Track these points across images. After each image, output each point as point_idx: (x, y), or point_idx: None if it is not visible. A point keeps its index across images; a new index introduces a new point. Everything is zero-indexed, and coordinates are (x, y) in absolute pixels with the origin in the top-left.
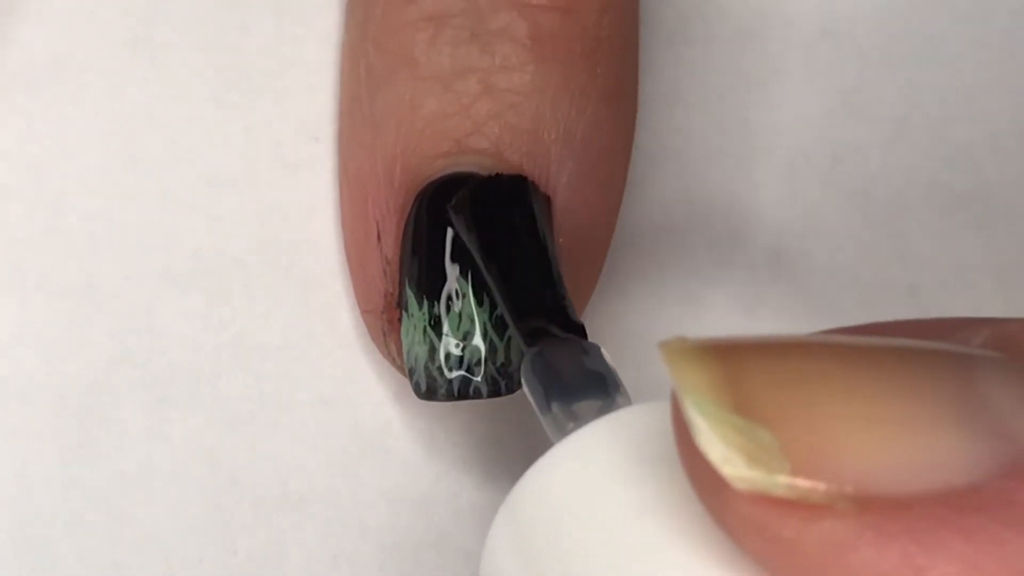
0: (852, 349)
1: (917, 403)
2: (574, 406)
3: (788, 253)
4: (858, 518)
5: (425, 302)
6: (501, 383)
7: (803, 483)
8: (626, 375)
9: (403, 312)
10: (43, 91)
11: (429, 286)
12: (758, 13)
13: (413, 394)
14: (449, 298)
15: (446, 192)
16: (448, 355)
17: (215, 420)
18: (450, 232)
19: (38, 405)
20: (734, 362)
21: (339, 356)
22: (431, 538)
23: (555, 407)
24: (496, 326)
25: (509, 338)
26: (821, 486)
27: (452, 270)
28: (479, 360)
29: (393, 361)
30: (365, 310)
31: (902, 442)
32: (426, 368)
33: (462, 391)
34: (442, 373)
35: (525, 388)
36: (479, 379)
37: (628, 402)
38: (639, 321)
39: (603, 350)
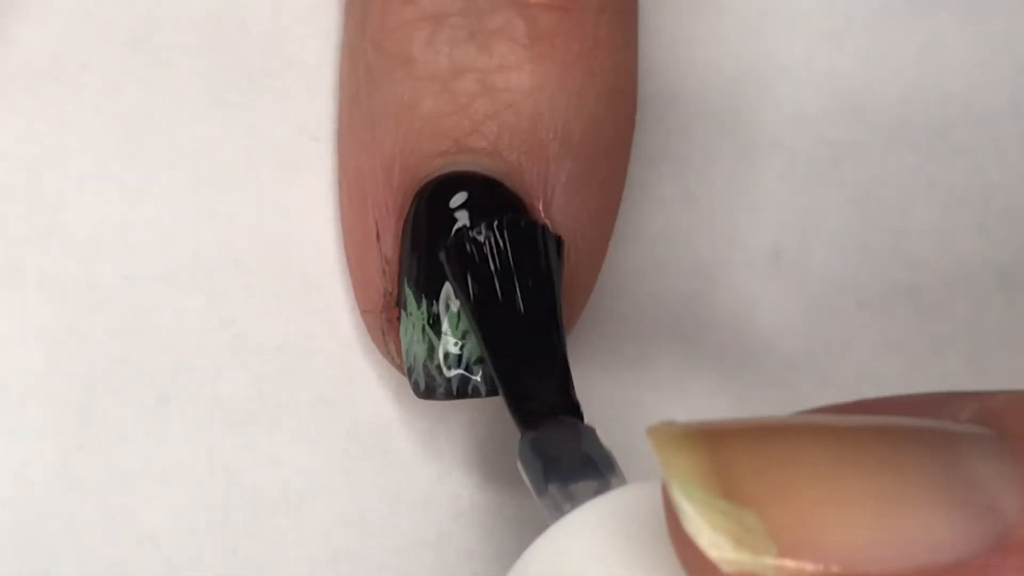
0: (837, 430)
1: (902, 482)
2: (571, 487)
3: (788, 253)
4: None
5: (424, 301)
6: None
7: (790, 564)
8: (626, 375)
9: (402, 311)
10: (43, 91)
11: (428, 285)
12: (758, 13)
13: (413, 394)
14: (448, 297)
15: (445, 191)
16: (447, 354)
17: (215, 420)
18: (450, 231)
19: (38, 405)
20: (720, 447)
21: (339, 356)
22: (431, 538)
23: (552, 488)
24: None
25: None
26: (808, 566)
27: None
28: (478, 359)
29: (392, 360)
30: (364, 309)
31: (887, 521)
32: (425, 367)
33: (461, 390)
34: (441, 372)
35: (521, 469)
36: (478, 378)
37: (623, 482)
38: (639, 321)
39: (597, 432)
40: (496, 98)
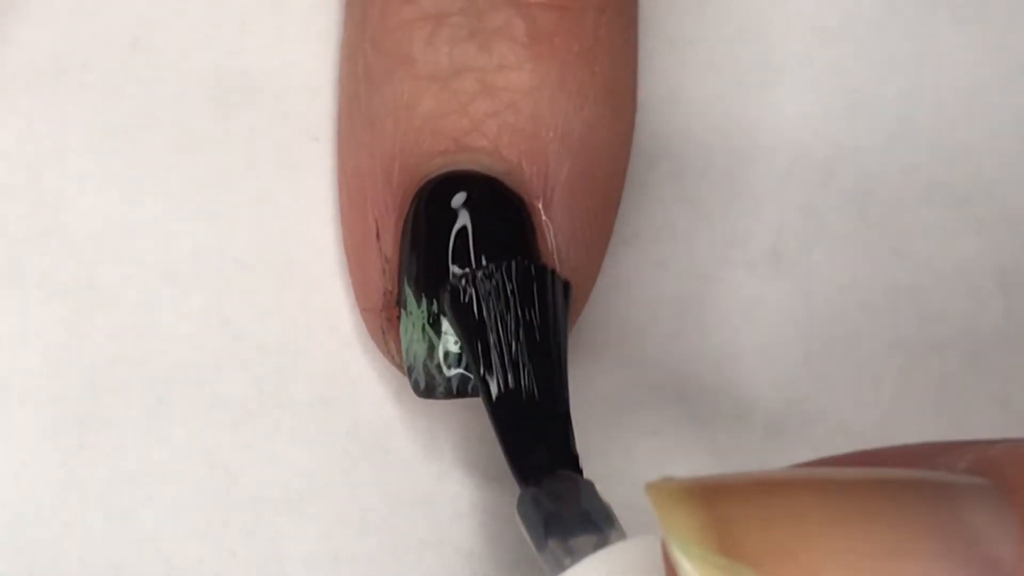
0: (834, 484)
1: (900, 535)
2: (570, 542)
3: (788, 253)
4: None
5: (424, 300)
6: None
7: None
8: (627, 375)
9: (402, 310)
10: (43, 91)
11: (428, 284)
12: (758, 13)
13: (413, 394)
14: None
15: (445, 190)
16: (447, 353)
17: (215, 420)
18: (451, 229)
19: (38, 405)
20: (718, 504)
21: (339, 356)
22: (431, 538)
23: (552, 543)
24: None
25: None
26: None
27: (451, 268)
28: None
29: (392, 359)
30: (364, 308)
31: (885, 575)
32: (425, 366)
33: (461, 389)
34: (441, 371)
35: (520, 523)
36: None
37: (622, 537)
38: (639, 320)
39: (596, 486)
40: (496, 97)
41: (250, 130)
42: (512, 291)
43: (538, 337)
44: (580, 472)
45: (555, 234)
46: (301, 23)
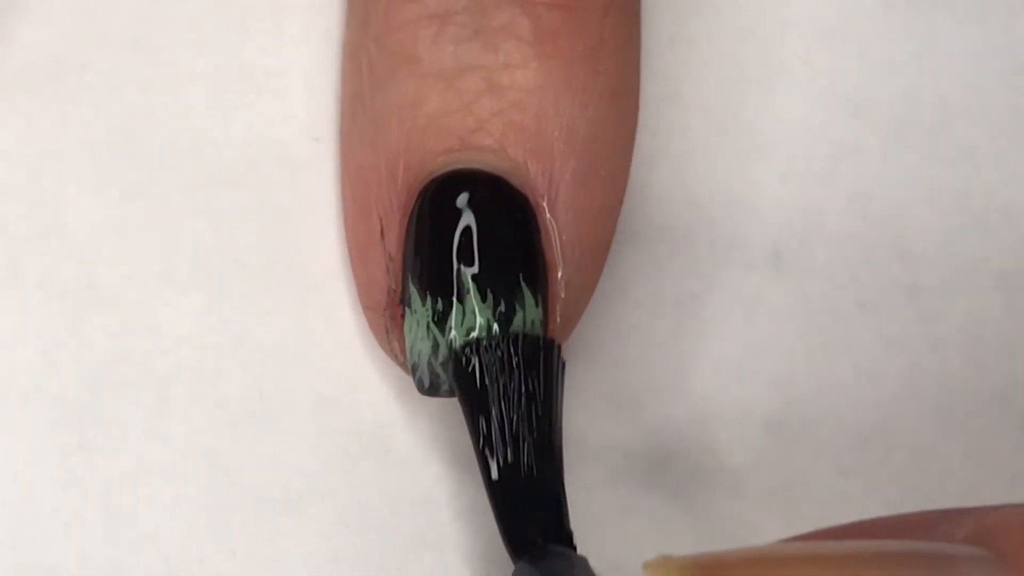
0: (831, 559)
1: None
2: None
3: (788, 253)
4: None
5: (428, 298)
6: None
7: None
8: (627, 375)
9: (406, 308)
10: (43, 91)
11: (433, 282)
12: (758, 13)
13: (413, 394)
14: (453, 294)
15: (450, 188)
16: (451, 351)
17: (215, 420)
18: (455, 228)
19: (38, 405)
20: None
21: (339, 356)
22: (431, 538)
23: None
24: (500, 322)
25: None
26: None
27: (456, 266)
28: None
29: (396, 358)
30: (367, 306)
31: None
32: (429, 364)
33: None
34: (445, 369)
35: None
36: None
37: None
38: (639, 321)
39: (589, 562)
40: (501, 96)
41: (250, 130)
42: (518, 363)
43: (540, 411)
44: (574, 548)
45: (559, 233)
46: (301, 23)
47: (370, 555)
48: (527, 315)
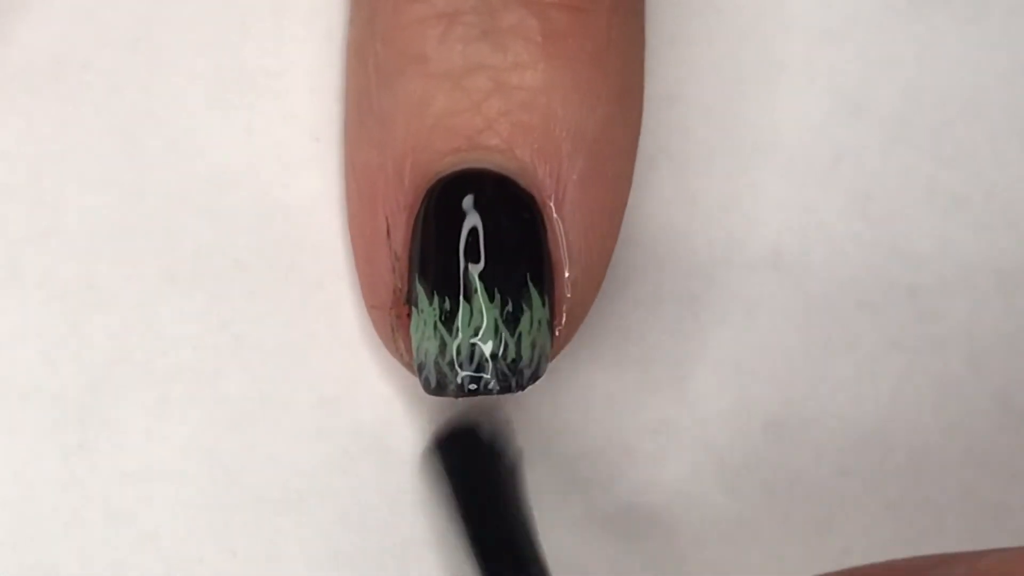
0: None
1: None
2: None
3: (788, 253)
4: None
5: (436, 297)
6: (511, 379)
7: None
8: (628, 375)
9: (413, 308)
10: (43, 91)
11: (440, 281)
12: (758, 13)
13: (414, 393)
14: (460, 293)
15: (457, 188)
16: (459, 350)
17: (215, 420)
18: (462, 227)
19: (38, 405)
20: None
21: (339, 356)
22: (431, 538)
23: None
24: (507, 321)
25: (520, 334)
26: None
27: (463, 265)
28: (490, 355)
29: (400, 357)
30: (372, 305)
31: None
32: (436, 363)
33: (472, 387)
34: (452, 368)
35: None
36: (489, 375)
37: None
38: (639, 321)
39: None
40: (509, 96)
41: (250, 130)
42: (479, 451)
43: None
44: None
45: (566, 233)
46: (301, 23)
47: (370, 555)
48: (534, 315)
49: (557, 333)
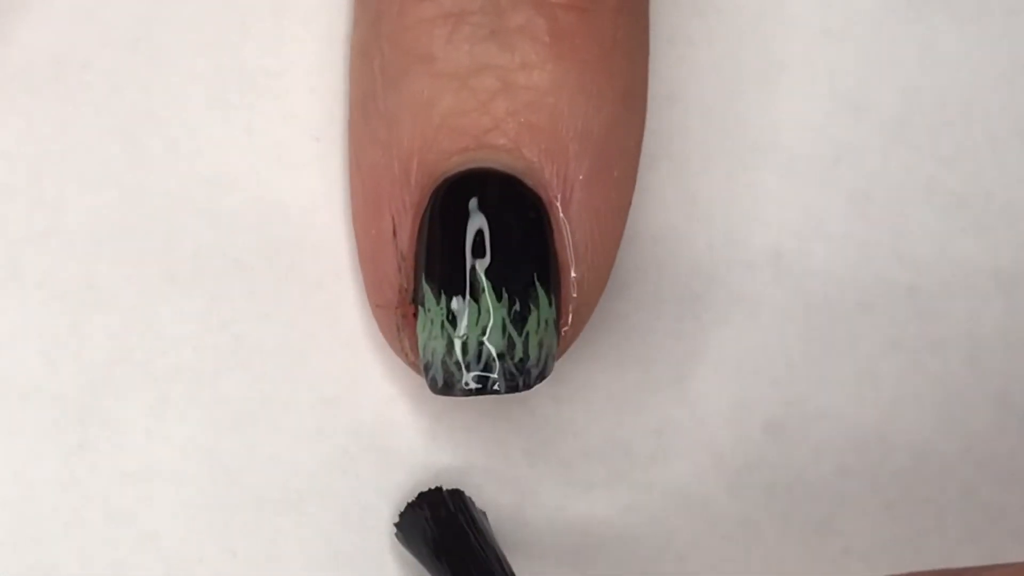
0: None
1: None
2: None
3: (788, 253)
4: None
5: (443, 297)
6: (519, 379)
7: None
8: (629, 374)
9: (419, 307)
10: (43, 91)
11: (447, 281)
12: (758, 13)
13: (414, 393)
14: (467, 292)
15: (464, 188)
16: (466, 350)
17: (215, 420)
18: (469, 227)
19: (38, 405)
20: None
21: (339, 356)
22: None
23: None
24: (514, 321)
25: (528, 334)
26: None
27: (470, 265)
28: (498, 355)
29: (405, 357)
30: (377, 304)
31: None
32: (443, 363)
33: (479, 387)
34: (459, 368)
35: None
36: (496, 375)
37: None
38: (639, 320)
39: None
40: (517, 96)
41: (250, 130)
42: (440, 513)
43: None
44: None
45: (572, 233)
46: (301, 23)
47: (370, 555)
48: (541, 314)
49: (563, 333)
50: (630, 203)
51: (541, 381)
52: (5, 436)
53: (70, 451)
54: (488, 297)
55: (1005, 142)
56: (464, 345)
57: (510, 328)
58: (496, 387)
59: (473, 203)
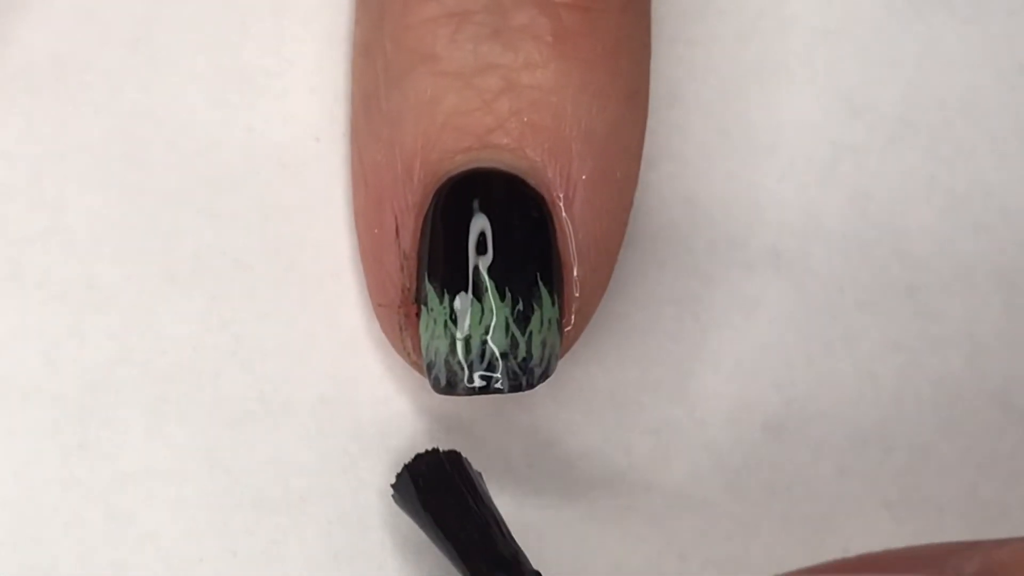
0: None
1: None
2: None
3: (788, 253)
4: None
5: (446, 296)
6: (522, 378)
7: None
8: (629, 374)
9: (422, 307)
10: (43, 91)
11: (450, 280)
12: (758, 13)
13: (414, 393)
14: (471, 292)
15: (467, 187)
16: (469, 349)
17: (215, 420)
18: (472, 226)
19: (38, 405)
20: None
21: (339, 356)
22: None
23: None
24: (517, 320)
25: (531, 333)
26: None
27: (473, 264)
28: (501, 353)
29: (408, 356)
30: (379, 304)
31: None
32: (446, 362)
33: (483, 386)
34: (463, 368)
35: None
36: (499, 374)
37: None
38: (639, 320)
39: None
40: (520, 95)
41: (250, 130)
42: (440, 472)
43: (470, 496)
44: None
45: (575, 232)
46: (302, 23)
47: (370, 555)
48: (544, 314)
49: (566, 332)
50: (632, 203)
51: (544, 380)
52: (5, 436)
53: (70, 451)
54: (491, 296)
55: (1005, 142)
56: (467, 344)
57: (513, 327)
58: (499, 386)
59: (476, 203)
